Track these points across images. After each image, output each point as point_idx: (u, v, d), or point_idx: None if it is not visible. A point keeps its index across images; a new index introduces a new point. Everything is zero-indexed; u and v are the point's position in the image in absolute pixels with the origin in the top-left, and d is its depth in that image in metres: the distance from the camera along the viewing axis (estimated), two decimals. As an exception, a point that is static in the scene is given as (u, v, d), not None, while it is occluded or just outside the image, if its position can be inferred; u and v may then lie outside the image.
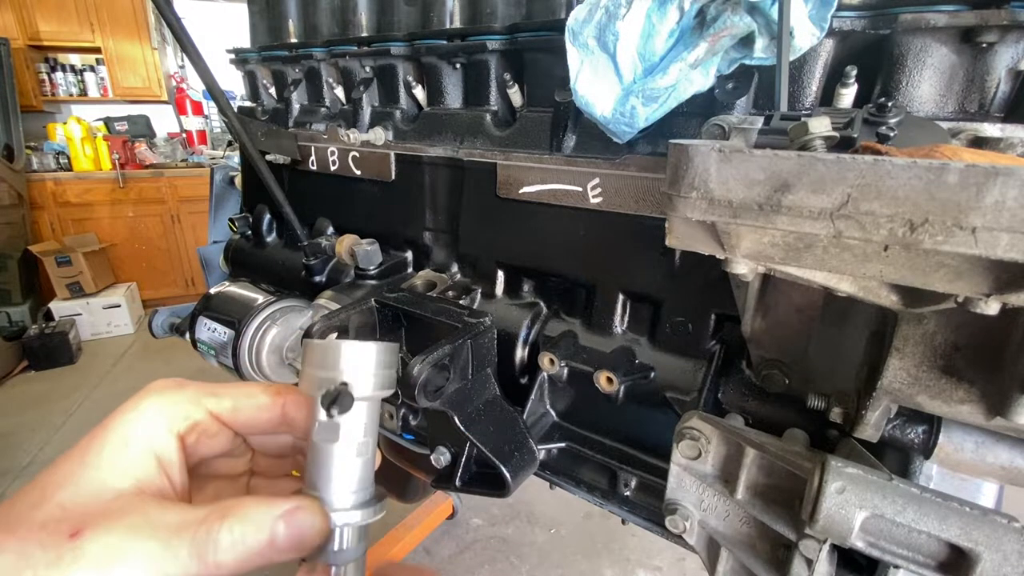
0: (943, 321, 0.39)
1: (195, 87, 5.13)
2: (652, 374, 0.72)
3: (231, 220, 1.28)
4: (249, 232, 1.28)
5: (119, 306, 4.02)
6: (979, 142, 0.46)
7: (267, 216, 1.26)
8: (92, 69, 4.89)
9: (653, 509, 0.71)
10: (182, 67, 5.20)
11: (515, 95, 0.84)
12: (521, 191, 0.80)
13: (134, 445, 0.30)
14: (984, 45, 0.52)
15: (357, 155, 1.03)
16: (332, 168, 1.08)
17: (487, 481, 0.70)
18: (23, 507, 0.27)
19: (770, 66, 0.56)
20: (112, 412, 0.31)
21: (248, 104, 1.34)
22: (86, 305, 3.90)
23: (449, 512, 2.13)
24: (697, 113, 0.65)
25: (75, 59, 4.86)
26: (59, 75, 4.77)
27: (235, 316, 0.92)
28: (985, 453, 0.49)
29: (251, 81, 1.29)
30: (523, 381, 0.83)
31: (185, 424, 0.33)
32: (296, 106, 1.20)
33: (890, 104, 0.45)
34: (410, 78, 0.97)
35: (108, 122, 4.86)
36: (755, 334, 0.56)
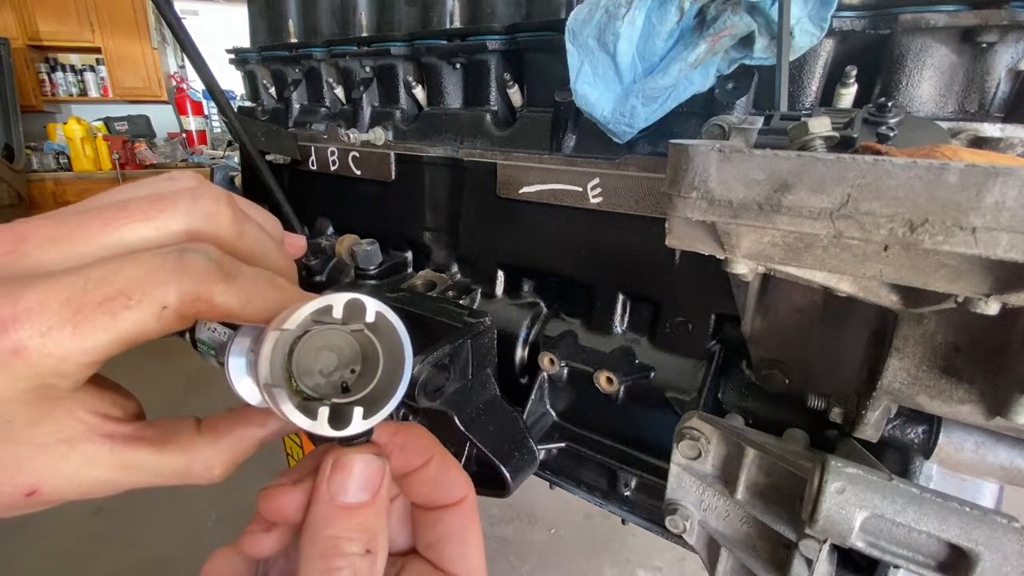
0: (943, 321, 0.39)
1: (195, 87, 5.14)
2: (652, 374, 0.72)
3: (231, 220, 1.28)
4: (249, 232, 1.28)
5: (119, 306, 4.02)
6: (979, 142, 0.46)
7: (267, 216, 1.26)
8: (92, 69, 4.90)
9: (653, 509, 0.71)
10: (182, 67, 5.21)
11: (515, 95, 0.84)
12: (521, 191, 0.80)
13: None
14: (984, 45, 0.52)
15: (357, 155, 1.03)
16: (332, 168, 1.08)
17: (487, 481, 0.70)
18: None
19: (770, 66, 0.56)
20: None
21: (248, 104, 1.34)
22: (86, 305, 3.89)
23: (449, 512, 2.12)
24: (697, 113, 0.65)
25: (75, 59, 4.87)
26: (59, 75, 4.78)
27: (235, 316, 0.92)
28: (985, 453, 0.49)
29: (251, 81, 1.29)
30: (523, 381, 0.83)
31: None
32: (296, 106, 1.20)
33: (890, 104, 0.45)
34: (410, 78, 0.97)
35: (108, 122, 4.87)
36: (755, 334, 0.56)
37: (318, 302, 0.24)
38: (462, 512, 0.30)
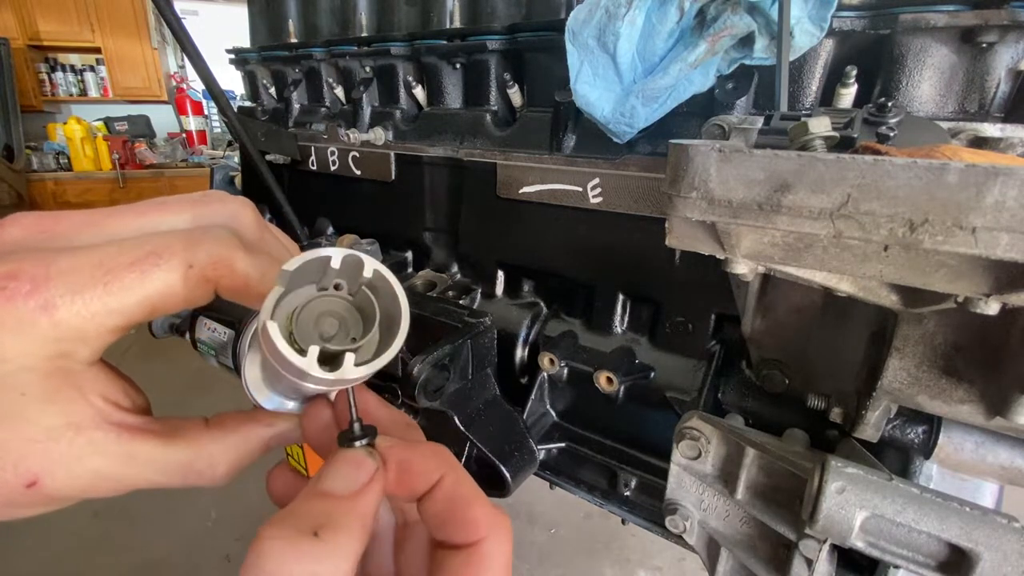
0: (943, 321, 0.39)
1: (195, 87, 5.13)
2: (652, 374, 0.72)
3: (231, 220, 1.27)
4: (249, 232, 1.28)
5: (119, 306, 4.01)
6: (979, 142, 0.46)
7: (267, 216, 1.26)
8: (92, 69, 4.90)
9: (653, 509, 0.71)
10: (182, 67, 5.20)
11: (515, 95, 0.84)
12: (521, 191, 0.80)
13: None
14: (984, 45, 0.52)
15: (357, 155, 1.03)
16: (332, 168, 1.08)
17: (487, 481, 0.70)
18: None
19: (770, 66, 0.56)
20: None
21: (248, 104, 1.34)
22: (86, 305, 3.89)
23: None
24: (697, 113, 0.65)
25: (75, 59, 4.86)
26: (59, 75, 4.78)
27: (235, 316, 0.92)
28: (985, 453, 0.49)
29: (251, 81, 1.29)
30: (523, 381, 0.83)
31: None
32: (296, 106, 1.20)
33: (890, 104, 0.45)
34: (410, 78, 0.97)
35: (108, 122, 4.86)
36: (755, 334, 0.56)
37: (318, 251, 0.24)
38: (471, 560, 0.24)
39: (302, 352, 0.23)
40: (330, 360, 0.24)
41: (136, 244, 0.22)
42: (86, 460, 0.22)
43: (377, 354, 0.25)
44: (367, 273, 0.25)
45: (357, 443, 0.26)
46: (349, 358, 0.24)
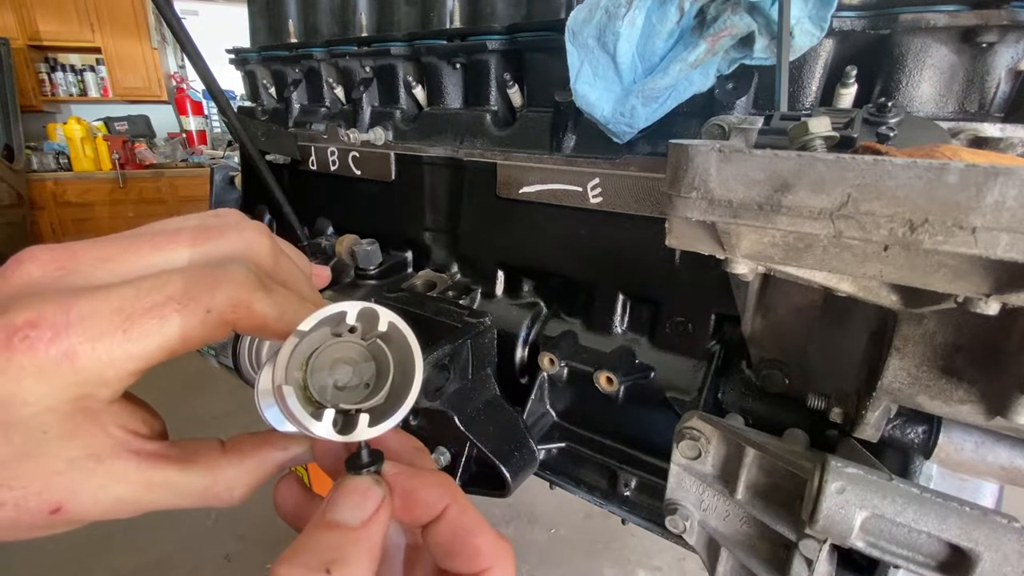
0: (943, 321, 0.39)
1: (195, 87, 5.13)
2: (652, 374, 0.72)
3: (231, 220, 1.27)
4: (249, 232, 1.27)
5: (119, 306, 4.02)
6: (979, 142, 0.46)
7: (267, 216, 1.26)
8: (92, 69, 4.89)
9: (653, 509, 0.71)
10: (182, 67, 5.20)
11: (515, 95, 0.84)
12: (521, 191, 0.80)
13: None
14: (984, 45, 0.52)
15: (357, 155, 1.03)
16: (332, 168, 1.08)
17: (487, 481, 0.70)
18: None
19: (770, 66, 0.56)
20: None
21: (248, 104, 1.34)
22: (86, 305, 3.89)
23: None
24: (697, 113, 0.65)
25: (75, 59, 4.86)
26: (59, 75, 4.77)
27: (235, 316, 0.92)
28: (985, 453, 0.49)
29: (251, 81, 1.29)
30: (523, 381, 0.83)
31: None
32: (296, 106, 1.20)
33: (890, 104, 0.45)
34: (410, 78, 0.97)
35: (108, 122, 4.86)
36: (755, 334, 0.56)
37: (333, 307, 0.24)
38: None
39: (318, 406, 0.24)
40: (343, 412, 0.25)
41: (154, 287, 0.23)
42: (108, 488, 0.23)
43: (389, 407, 0.26)
44: (382, 326, 0.26)
45: (364, 471, 0.26)
46: (363, 419, 0.24)
